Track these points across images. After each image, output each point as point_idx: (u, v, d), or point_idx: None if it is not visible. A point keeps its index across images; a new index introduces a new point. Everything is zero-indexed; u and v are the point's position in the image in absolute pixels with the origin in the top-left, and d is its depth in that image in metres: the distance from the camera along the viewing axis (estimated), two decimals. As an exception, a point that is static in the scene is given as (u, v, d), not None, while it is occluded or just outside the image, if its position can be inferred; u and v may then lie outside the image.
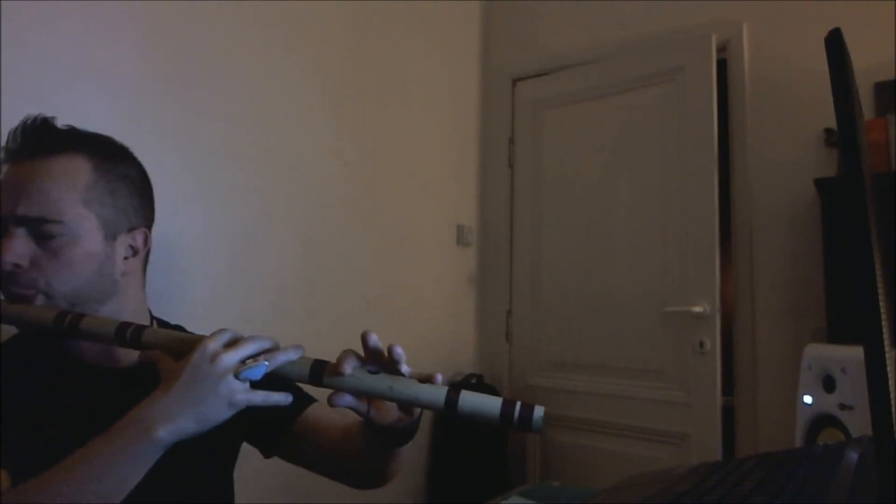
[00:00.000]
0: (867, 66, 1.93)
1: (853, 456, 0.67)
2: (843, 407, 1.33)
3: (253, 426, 0.94)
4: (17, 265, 0.78)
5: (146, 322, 0.91)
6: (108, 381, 0.84)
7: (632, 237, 2.35)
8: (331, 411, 0.95)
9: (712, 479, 0.65)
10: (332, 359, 0.74)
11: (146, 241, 0.90)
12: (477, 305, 2.71)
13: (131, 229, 0.87)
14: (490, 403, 0.70)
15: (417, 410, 0.77)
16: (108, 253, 0.84)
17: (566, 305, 2.50)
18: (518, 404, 0.69)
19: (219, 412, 0.70)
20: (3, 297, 0.82)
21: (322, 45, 1.98)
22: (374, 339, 0.72)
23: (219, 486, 0.94)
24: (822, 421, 1.40)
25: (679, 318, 2.19)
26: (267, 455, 1.01)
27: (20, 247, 0.78)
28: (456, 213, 2.62)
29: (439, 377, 0.73)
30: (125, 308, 0.87)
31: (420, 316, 2.37)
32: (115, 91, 1.38)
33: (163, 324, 0.98)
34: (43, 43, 1.25)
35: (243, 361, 0.71)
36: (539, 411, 0.69)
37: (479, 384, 2.49)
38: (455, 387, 0.72)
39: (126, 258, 0.87)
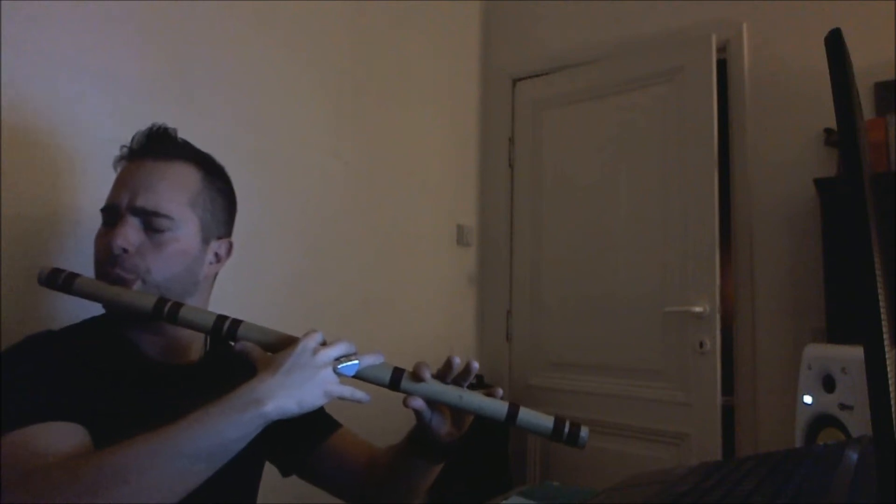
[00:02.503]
0: (867, 66, 1.93)
1: (853, 456, 0.67)
2: (843, 407, 1.33)
3: (280, 444, 0.98)
4: (125, 250, 0.85)
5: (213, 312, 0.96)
6: (168, 375, 0.90)
7: (632, 237, 2.35)
8: (357, 437, 1.03)
9: (712, 479, 0.65)
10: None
11: (229, 251, 0.99)
12: (477, 305, 2.71)
13: (220, 238, 0.97)
14: (543, 420, 0.80)
15: (466, 427, 0.86)
16: (200, 255, 0.93)
17: (566, 305, 2.50)
18: (567, 423, 0.79)
19: (316, 398, 0.75)
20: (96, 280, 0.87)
21: (322, 45, 1.98)
22: (457, 361, 0.83)
23: (244, 501, 0.97)
24: (822, 421, 1.40)
25: (679, 318, 2.19)
26: (285, 474, 1.03)
27: (132, 234, 0.86)
28: (456, 213, 2.62)
29: (500, 392, 0.83)
30: (199, 306, 0.92)
31: (420, 316, 2.37)
32: (115, 91, 1.38)
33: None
34: (43, 43, 1.25)
35: (337, 359, 0.78)
36: (585, 430, 0.79)
37: (479, 384, 2.49)
38: (513, 403, 0.81)
39: (211, 263, 0.95)
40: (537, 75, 2.69)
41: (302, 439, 0.99)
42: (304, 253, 1.90)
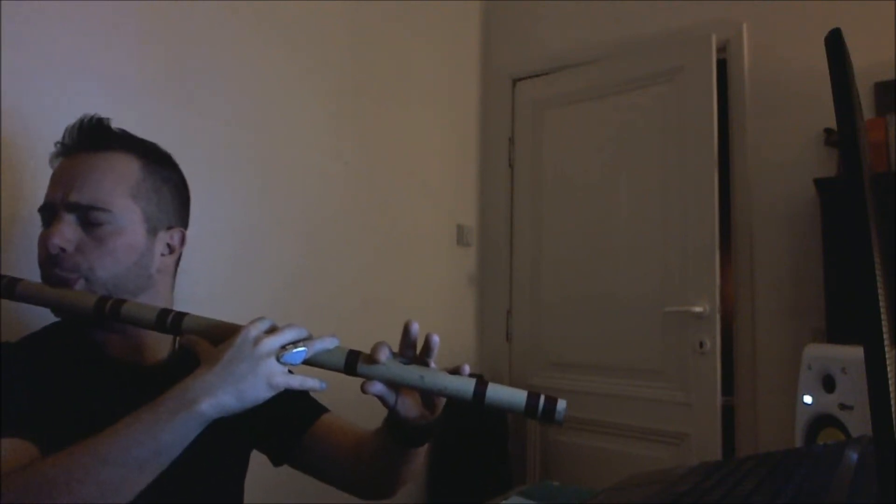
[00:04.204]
0: (867, 66, 1.93)
1: (853, 456, 0.67)
2: (843, 407, 1.33)
3: (265, 433, 0.96)
4: (62, 249, 0.81)
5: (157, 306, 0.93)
6: (135, 376, 0.86)
7: (632, 237, 2.35)
8: (343, 421, 0.98)
9: (712, 479, 0.65)
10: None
11: (182, 241, 0.94)
12: (477, 305, 2.71)
13: (170, 228, 0.92)
14: (516, 396, 0.73)
15: (439, 409, 0.80)
16: (149, 247, 0.88)
17: (566, 305, 2.50)
18: (542, 397, 0.72)
19: (258, 391, 0.72)
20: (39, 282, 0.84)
21: (322, 45, 1.98)
22: (415, 327, 0.76)
23: (230, 494, 0.95)
24: (822, 421, 1.40)
25: (679, 318, 2.19)
26: (277, 463, 1.01)
27: (68, 232, 0.82)
28: (456, 213, 2.62)
29: (466, 368, 0.76)
30: (156, 303, 0.89)
31: (420, 316, 2.34)
32: (115, 91, 1.38)
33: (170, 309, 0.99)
34: (43, 43, 1.25)
35: (283, 347, 0.74)
36: (562, 404, 0.72)
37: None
38: (481, 379, 0.74)
39: (163, 255, 0.91)
40: (537, 75, 2.69)
41: (287, 426, 0.96)
42: (304, 253, 1.90)
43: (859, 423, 1.29)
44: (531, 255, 2.63)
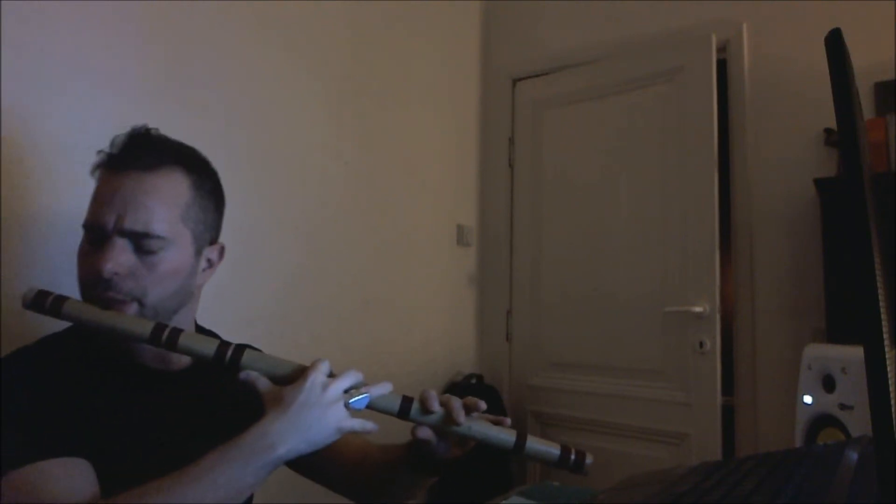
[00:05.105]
0: (867, 66, 1.93)
1: (853, 456, 0.67)
2: (843, 407, 1.33)
3: None
4: (116, 273, 0.80)
5: (191, 328, 0.94)
6: (163, 382, 0.88)
7: (632, 237, 2.35)
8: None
9: (712, 479, 0.65)
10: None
11: (222, 254, 0.95)
12: (477, 305, 2.71)
13: (212, 243, 0.93)
14: (550, 450, 0.82)
15: (470, 447, 0.85)
16: (194, 266, 0.89)
17: (566, 305, 2.50)
18: (573, 452, 0.82)
19: (327, 436, 0.76)
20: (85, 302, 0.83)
21: (322, 45, 1.98)
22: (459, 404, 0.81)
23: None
24: (822, 421, 1.40)
25: (679, 318, 2.19)
26: None
27: (123, 258, 0.81)
28: (456, 213, 2.62)
29: (508, 421, 0.83)
30: (190, 315, 0.92)
31: (420, 316, 2.37)
32: (115, 91, 1.38)
33: (199, 328, 1.00)
34: (43, 43, 1.25)
35: (346, 391, 0.78)
36: (589, 458, 0.82)
37: (479, 384, 2.49)
38: (521, 433, 0.82)
39: (203, 270, 0.92)
40: (537, 75, 2.69)
41: None
42: (304, 253, 1.90)
43: (859, 423, 1.29)
44: (531, 255, 2.63)
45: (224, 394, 0.90)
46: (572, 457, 0.81)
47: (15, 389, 0.76)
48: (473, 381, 2.49)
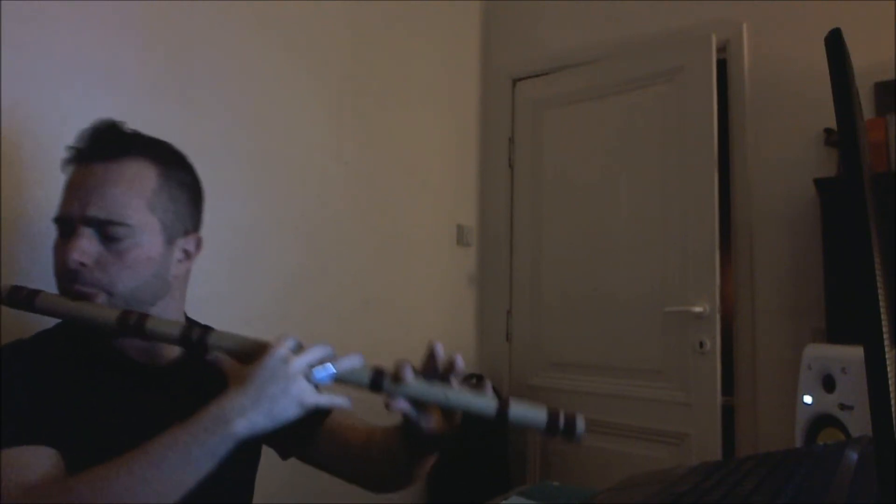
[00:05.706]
0: (867, 66, 1.93)
1: (853, 456, 0.67)
2: (843, 407, 1.33)
3: (278, 428, 0.96)
4: (82, 264, 0.80)
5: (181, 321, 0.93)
6: (149, 376, 0.88)
7: (632, 237, 2.35)
8: (352, 416, 0.99)
9: (712, 479, 0.66)
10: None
11: (198, 245, 0.94)
12: (477, 305, 2.71)
13: (187, 234, 0.91)
14: (537, 414, 0.75)
15: (457, 421, 0.81)
16: (166, 256, 0.88)
17: (566, 305, 2.50)
18: (562, 414, 0.75)
19: (290, 411, 0.74)
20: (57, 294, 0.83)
21: (322, 45, 1.98)
22: (440, 347, 0.78)
23: (240, 488, 0.96)
24: (822, 421, 1.40)
25: (679, 318, 2.19)
26: (284, 457, 1.02)
27: (87, 246, 0.81)
28: (456, 213, 2.62)
29: (489, 387, 0.80)
30: (170, 308, 0.90)
31: (420, 316, 2.37)
32: (115, 90, 1.38)
33: (193, 323, 0.99)
34: (43, 42, 1.25)
35: (311, 365, 0.75)
36: (581, 421, 0.75)
37: (478, 384, 2.49)
38: (503, 397, 0.77)
39: (179, 261, 0.90)
40: (537, 75, 2.69)
41: (301, 422, 0.97)
42: (304, 253, 1.90)
43: (859, 423, 1.29)
44: (531, 255, 2.63)
45: (212, 387, 0.90)
46: (561, 422, 0.75)
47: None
48: (473, 381, 2.49)
